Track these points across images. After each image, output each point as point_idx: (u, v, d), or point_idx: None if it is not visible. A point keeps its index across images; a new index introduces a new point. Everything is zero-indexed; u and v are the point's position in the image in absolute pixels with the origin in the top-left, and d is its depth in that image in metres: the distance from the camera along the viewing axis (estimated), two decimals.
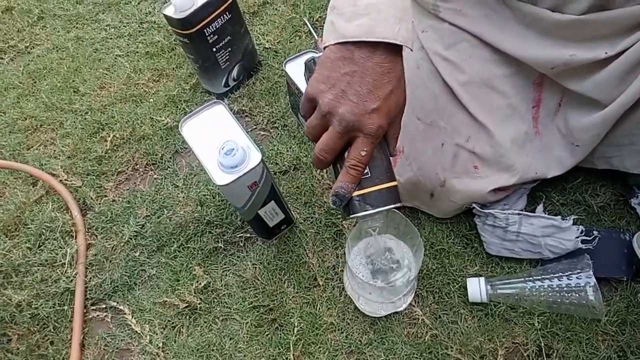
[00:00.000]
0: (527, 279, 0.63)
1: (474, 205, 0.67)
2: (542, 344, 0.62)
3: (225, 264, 0.74)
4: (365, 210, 0.45)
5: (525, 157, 0.65)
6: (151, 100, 0.99)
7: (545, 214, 0.66)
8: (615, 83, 0.57)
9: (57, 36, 1.16)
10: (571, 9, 0.55)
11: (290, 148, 0.86)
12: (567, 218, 0.64)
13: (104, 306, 0.73)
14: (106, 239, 0.80)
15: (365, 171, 0.45)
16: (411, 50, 0.45)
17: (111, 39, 1.15)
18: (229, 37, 0.89)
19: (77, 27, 1.18)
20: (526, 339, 0.62)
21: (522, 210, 0.66)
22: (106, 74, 1.07)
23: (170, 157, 0.90)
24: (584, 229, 0.64)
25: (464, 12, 0.64)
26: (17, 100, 1.03)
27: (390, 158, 0.48)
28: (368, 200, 0.45)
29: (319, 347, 0.65)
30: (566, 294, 0.61)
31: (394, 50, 0.43)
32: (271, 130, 0.91)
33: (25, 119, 0.99)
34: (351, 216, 0.46)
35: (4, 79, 1.08)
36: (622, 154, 0.64)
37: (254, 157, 0.58)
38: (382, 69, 0.43)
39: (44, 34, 1.18)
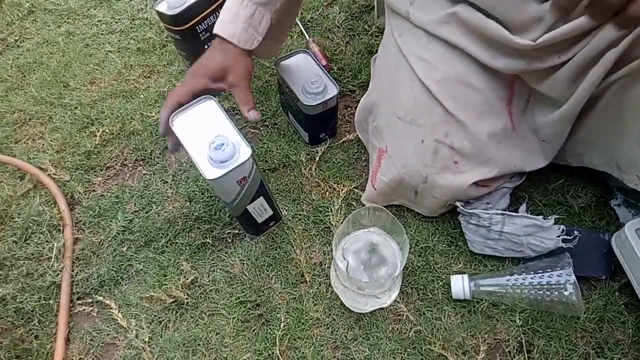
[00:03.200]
0: (509, 276, 0.64)
1: (457, 203, 0.68)
2: (523, 340, 0.63)
3: (212, 260, 0.75)
4: None
5: (504, 151, 0.67)
6: (142, 96, 0.99)
7: (528, 213, 0.68)
8: (568, 84, 0.59)
9: (48, 30, 1.16)
10: (527, 38, 0.57)
11: (279, 146, 0.87)
12: (549, 218, 0.66)
13: (90, 300, 0.73)
14: (93, 234, 0.79)
15: None
16: (237, 45, 0.65)
17: (102, 34, 1.15)
18: None
19: (68, 22, 1.18)
20: (508, 335, 0.64)
21: (505, 210, 0.68)
22: (97, 69, 1.07)
23: (160, 153, 0.90)
24: (565, 228, 0.66)
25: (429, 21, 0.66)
26: (5, 94, 1.02)
27: (374, 158, 0.51)
28: None
29: (305, 342, 0.65)
30: (547, 291, 0.62)
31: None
32: (261, 129, 0.91)
33: (14, 113, 0.98)
34: None
35: None
36: (589, 151, 0.68)
37: (244, 153, 0.58)
38: (212, 44, 0.68)
39: (34, 28, 1.17)
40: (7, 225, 0.81)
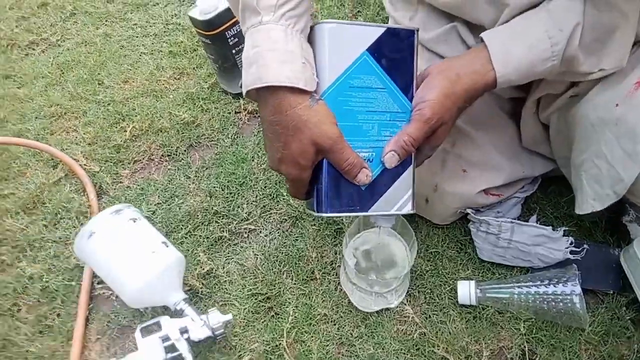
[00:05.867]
0: (515, 284, 0.65)
1: (468, 210, 0.70)
2: (527, 349, 0.63)
3: (228, 253, 0.78)
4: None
5: (511, 159, 0.69)
6: (171, 96, 1.04)
7: (538, 224, 0.69)
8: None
9: (87, 32, 1.23)
10: None
11: None
12: (558, 229, 0.66)
13: None
14: None
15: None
16: (304, 89, 0.46)
17: (137, 37, 1.22)
18: None
19: (106, 25, 1.25)
20: (511, 342, 0.64)
21: (515, 219, 0.69)
22: (130, 70, 1.12)
23: (185, 150, 0.94)
24: (573, 240, 0.66)
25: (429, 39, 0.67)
26: (44, 89, 1.09)
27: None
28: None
29: (312, 337, 0.67)
30: (552, 302, 0.63)
31: (285, 95, 0.45)
32: None
33: (51, 107, 1.04)
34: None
35: (34, 68, 1.14)
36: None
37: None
38: (271, 119, 0.47)
39: (75, 29, 1.24)
40: (39, 209, 0.86)
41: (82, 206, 0.85)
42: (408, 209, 0.53)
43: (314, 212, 0.52)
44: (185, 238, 0.80)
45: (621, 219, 0.72)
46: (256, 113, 1.00)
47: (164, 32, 1.20)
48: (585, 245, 0.67)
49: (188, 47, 1.16)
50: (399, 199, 0.53)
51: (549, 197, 0.78)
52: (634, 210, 0.71)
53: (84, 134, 0.98)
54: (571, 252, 0.66)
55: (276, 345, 0.67)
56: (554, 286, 0.63)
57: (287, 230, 0.80)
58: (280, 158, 0.49)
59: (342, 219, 0.79)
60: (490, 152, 0.68)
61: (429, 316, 0.68)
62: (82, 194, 0.88)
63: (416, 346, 0.65)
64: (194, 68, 1.11)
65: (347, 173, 0.50)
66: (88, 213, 0.84)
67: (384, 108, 0.51)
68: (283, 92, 0.46)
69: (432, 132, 0.51)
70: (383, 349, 0.66)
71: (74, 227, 0.83)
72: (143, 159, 0.93)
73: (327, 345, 0.66)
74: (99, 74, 1.12)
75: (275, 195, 0.85)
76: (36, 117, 1.03)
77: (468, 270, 0.72)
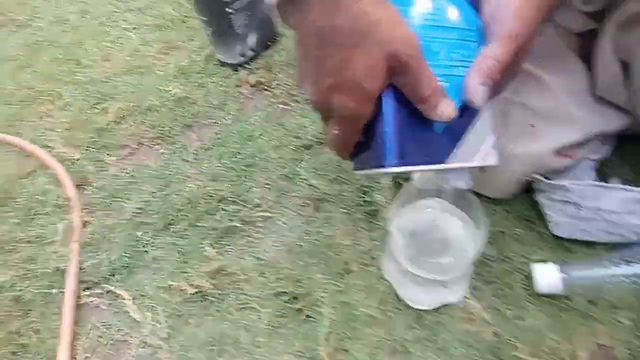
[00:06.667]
0: (610, 264, 0.52)
1: (537, 177, 0.57)
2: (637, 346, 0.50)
3: (241, 245, 0.64)
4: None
5: (584, 109, 0.56)
6: (159, 72, 0.91)
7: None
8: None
9: (60, 9, 1.10)
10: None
11: (313, 122, 0.77)
12: None
13: (99, 291, 0.62)
14: (105, 216, 0.69)
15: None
16: None
17: (118, 12, 1.08)
18: (247, 0, 0.80)
19: (81, 1, 1.11)
20: (611, 338, 0.51)
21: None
22: (111, 47, 0.99)
23: (180, 131, 0.80)
24: None
25: None
26: (13, 72, 0.95)
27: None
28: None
29: (356, 343, 0.53)
30: None
31: None
32: (292, 104, 0.82)
33: (22, 90, 0.90)
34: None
35: (1, 51, 1.00)
36: None
37: None
38: (323, 26, 0.32)
39: (46, 7, 1.11)
40: (9, 205, 0.71)
41: (59, 199, 0.71)
42: (494, 160, 0.39)
43: (374, 169, 0.38)
44: (187, 230, 0.66)
45: None
46: (260, 84, 0.86)
47: (148, 4, 1.07)
48: None
49: (176, 19, 1.02)
50: (479, 147, 0.38)
51: (624, 159, 0.65)
52: None
53: (60, 118, 0.84)
54: None
55: (312, 356, 0.53)
56: None
57: (310, 216, 0.66)
58: (333, 85, 0.34)
59: (379, 198, 0.65)
60: (564, 100, 0.55)
61: (501, 311, 0.54)
62: (60, 185, 0.73)
63: (491, 350, 0.52)
64: (184, 40, 0.97)
65: (425, 102, 0.34)
66: (68, 207, 0.70)
67: (451, 23, 0.37)
68: None
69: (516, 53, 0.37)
70: (449, 355, 0.52)
71: (52, 223, 0.68)
72: (131, 142, 0.79)
73: (377, 354, 0.52)
74: (75, 53, 0.98)
75: (292, 176, 0.71)
76: (5, 103, 0.88)
77: (541, 250, 0.58)
